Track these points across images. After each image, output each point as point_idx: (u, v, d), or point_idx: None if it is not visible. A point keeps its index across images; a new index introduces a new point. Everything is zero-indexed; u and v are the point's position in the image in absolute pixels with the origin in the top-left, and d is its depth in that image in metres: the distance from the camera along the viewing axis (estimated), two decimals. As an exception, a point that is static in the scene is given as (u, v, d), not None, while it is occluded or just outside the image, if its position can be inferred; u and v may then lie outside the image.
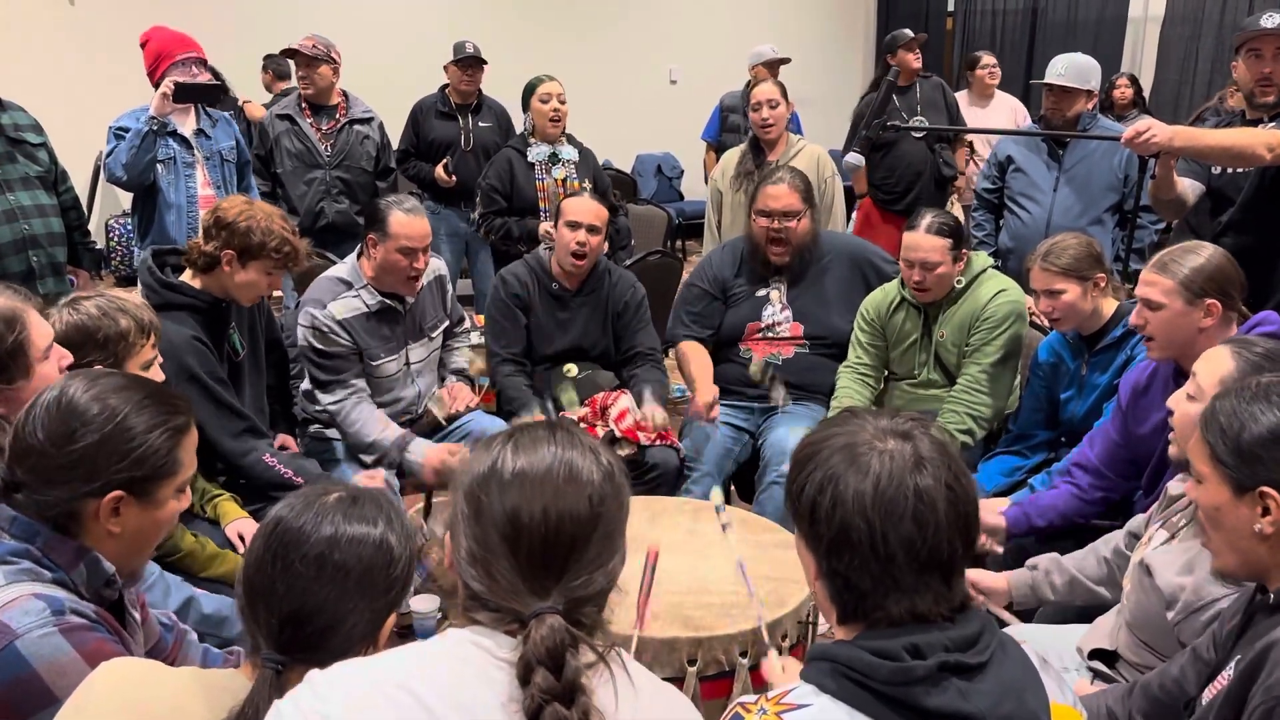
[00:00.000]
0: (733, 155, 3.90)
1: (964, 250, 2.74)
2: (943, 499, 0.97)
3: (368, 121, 4.10)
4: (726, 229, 3.84)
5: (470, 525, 0.99)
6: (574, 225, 2.92)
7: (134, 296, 2.01)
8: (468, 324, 3.14)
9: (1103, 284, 2.44)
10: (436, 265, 2.91)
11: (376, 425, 2.63)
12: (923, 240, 2.68)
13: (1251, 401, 1.26)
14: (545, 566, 0.96)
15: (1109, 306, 2.47)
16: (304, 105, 4.02)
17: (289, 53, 3.99)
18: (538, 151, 3.84)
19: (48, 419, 1.25)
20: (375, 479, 2.51)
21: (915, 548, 0.97)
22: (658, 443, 2.78)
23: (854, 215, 4.81)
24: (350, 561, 1.09)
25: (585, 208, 2.94)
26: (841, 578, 1.00)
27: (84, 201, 4.84)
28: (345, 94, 4.08)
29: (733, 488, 3.05)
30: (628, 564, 1.05)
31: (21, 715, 1.13)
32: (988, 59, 5.41)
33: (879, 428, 1.02)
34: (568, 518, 0.97)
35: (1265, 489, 1.22)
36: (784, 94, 3.77)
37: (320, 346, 2.62)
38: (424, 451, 2.62)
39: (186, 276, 2.39)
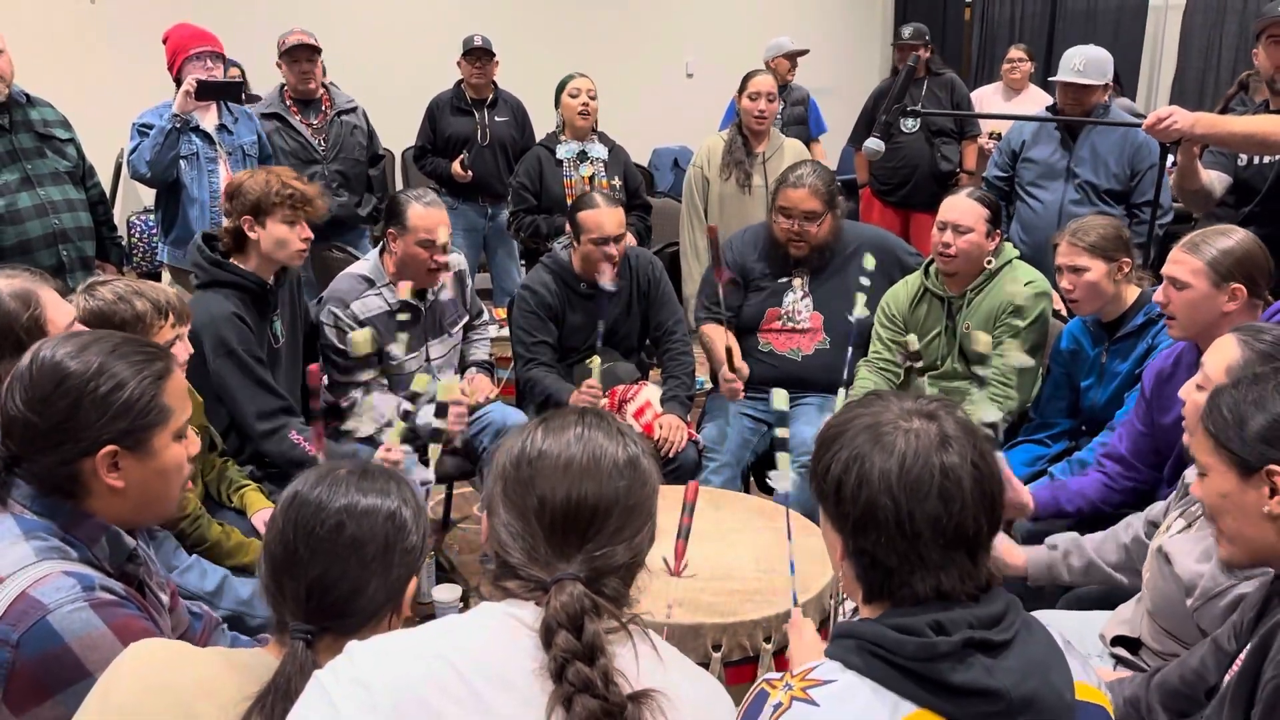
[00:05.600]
0: (717, 143, 3.91)
1: (998, 230, 2.73)
2: (968, 476, 0.98)
3: (353, 111, 4.06)
4: (715, 218, 3.85)
5: (501, 501, 1.03)
6: (602, 241, 2.83)
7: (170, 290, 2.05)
8: (486, 316, 3.15)
9: (1127, 269, 2.43)
10: (456, 260, 2.92)
11: (391, 408, 2.63)
12: (960, 202, 2.68)
13: (1250, 387, 1.27)
14: (567, 536, 1.00)
15: (1131, 294, 2.45)
16: (289, 101, 3.95)
17: (298, 49, 3.86)
18: (567, 149, 3.83)
19: (24, 386, 1.23)
20: (393, 452, 2.51)
21: (941, 525, 0.97)
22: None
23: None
24: (365, 532, 1.11)
25: (609, 220, 2.84)
26: (868, 556, 1.01)
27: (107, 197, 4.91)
28: (325, 86, 4.03)
29: (751, 479, 3.06)
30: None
31: (54, 689, 1.14)
32: (1012, 53, 5.31)
33: (904, 408, 1.03)
34: (590, 496, 1.00)
35: (1272, 467, 1.22)
36: (780, 92, 3.84)
37: (341, 346, 2.65)
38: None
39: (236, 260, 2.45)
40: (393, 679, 0.93)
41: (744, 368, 2.84)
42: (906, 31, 4.78)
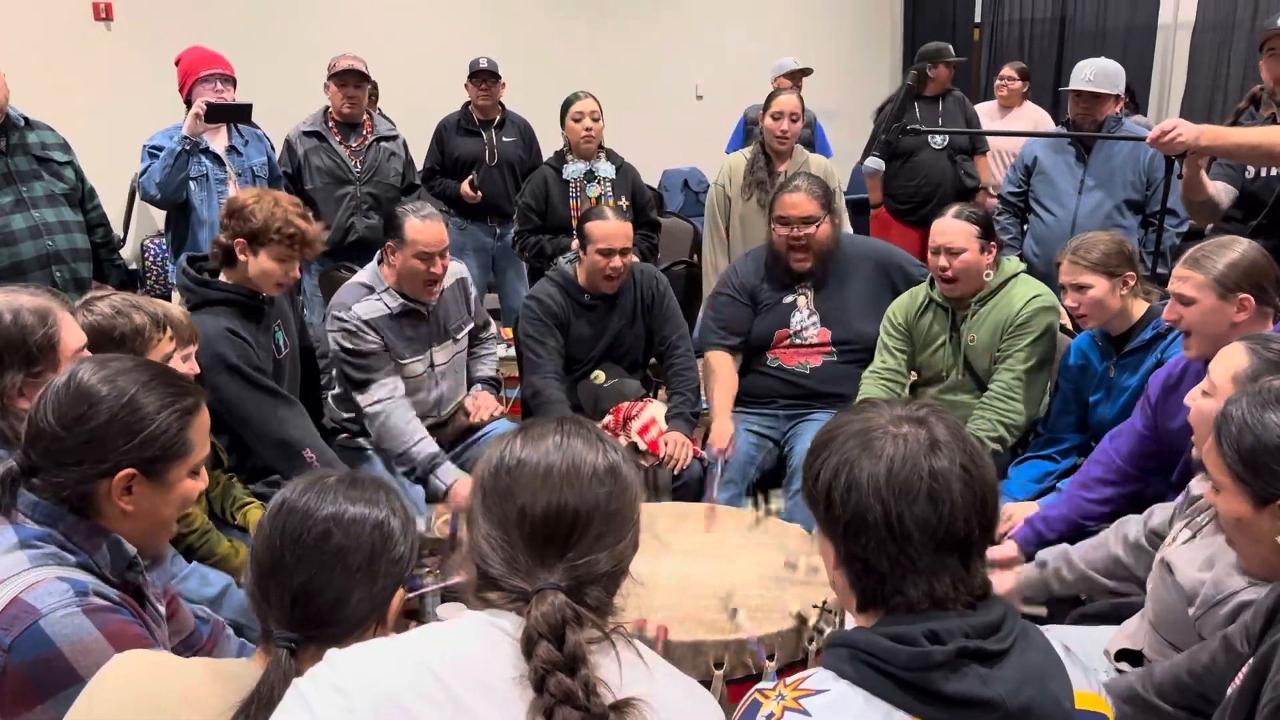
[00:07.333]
0: (739, 162, 3.91)
1: (993, 242, 2.72)
2: (957, 479, 0.97)
3: (393, 139, 4.13)
4: (736, 237, 3.84)
5: (481, 512, 1.03)
6: (608, 253, 2.87)
7: (173, 308, 2.05)
8: (493, 330, 3.15)
9: (1132, 283, 2.41)
10: (457, 269, 2.94)
11: (413, 435, 2.62)
12: (949, 225, 2.67)
13: (1262, 410, 1.24)
14: (547, 545, 0.99)
15: (1139, 308, 2.43)
16: (332, 123, 4.04)
17: (347, 73, 3.93)
18: (573, 169, 3.83)
19: (58, 402, 1.27)
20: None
21: (931, 527, 0.96)
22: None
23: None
24: (352, 541, 1.11)
25: (616, 231, 2.88)
26: (860, 561, 1.00)
27: (120, 221, 4.94)
28: (369, 112, 4.11)
29: (758, 495, 3.03)
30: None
31: (45, 694, 1.14)
32: (1004, 71, 5.36)
33: (894, 415, 1.03)
34: (570, 504, 1.00)
35: None
36: (801, 109, 3.84)
37: (351, 346, 2.65)
38: (451, 476, 2.58)
39: (222, 277, 2.44)
40: (372, 685, 0.92)
41: (729, 431, 2.84)
42: (948, 49, 4.79)
